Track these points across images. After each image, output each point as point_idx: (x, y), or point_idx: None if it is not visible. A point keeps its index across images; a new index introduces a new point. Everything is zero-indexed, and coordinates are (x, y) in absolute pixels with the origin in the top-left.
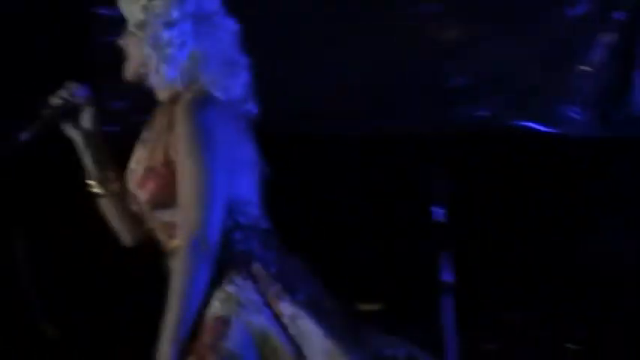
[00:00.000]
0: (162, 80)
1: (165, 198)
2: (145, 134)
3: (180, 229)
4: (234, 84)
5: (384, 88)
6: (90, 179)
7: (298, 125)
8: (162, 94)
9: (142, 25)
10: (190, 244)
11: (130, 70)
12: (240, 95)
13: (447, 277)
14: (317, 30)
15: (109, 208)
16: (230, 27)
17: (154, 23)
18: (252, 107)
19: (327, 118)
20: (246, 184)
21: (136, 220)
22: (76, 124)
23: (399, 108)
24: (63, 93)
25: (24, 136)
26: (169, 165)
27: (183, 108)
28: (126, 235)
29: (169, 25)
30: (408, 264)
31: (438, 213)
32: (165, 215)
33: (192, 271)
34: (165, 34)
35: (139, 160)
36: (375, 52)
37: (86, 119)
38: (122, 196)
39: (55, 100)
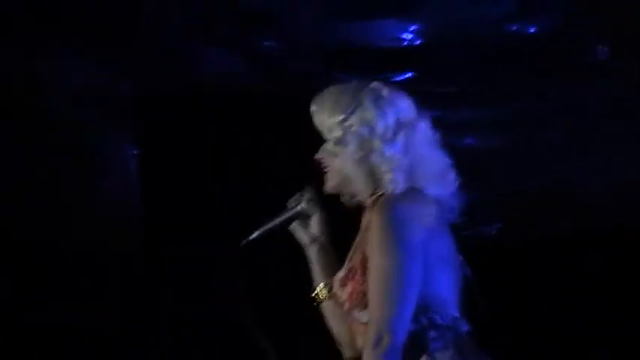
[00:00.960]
0: (369, 187)
1: (362, 298)
2: (357, 238)
3: (367, 327)
4: (442, 184)
5: None
6: (316, 283)
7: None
8: (366, 199)
9: (341, 142)
10: (374, 344)
11: (332, 184)
12: (449, 194)
13: None
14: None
15: (330, 314)
16: (429, 130)
17: (352, 138)
18: (455, 203)
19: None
20: (444, 282)
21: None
22: (305, 227)
23: None
24: (301, 198)
25: (256, 235)
26: (366, 263)
27: (379, 204)
28: (346, 345)
29: (374, 136)
30: None
31: None
32: (363, 317)
33: None
34: (366, 145)
35: (347, 262)
36: None
37: (314, 223)
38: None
39: (293, 205)
